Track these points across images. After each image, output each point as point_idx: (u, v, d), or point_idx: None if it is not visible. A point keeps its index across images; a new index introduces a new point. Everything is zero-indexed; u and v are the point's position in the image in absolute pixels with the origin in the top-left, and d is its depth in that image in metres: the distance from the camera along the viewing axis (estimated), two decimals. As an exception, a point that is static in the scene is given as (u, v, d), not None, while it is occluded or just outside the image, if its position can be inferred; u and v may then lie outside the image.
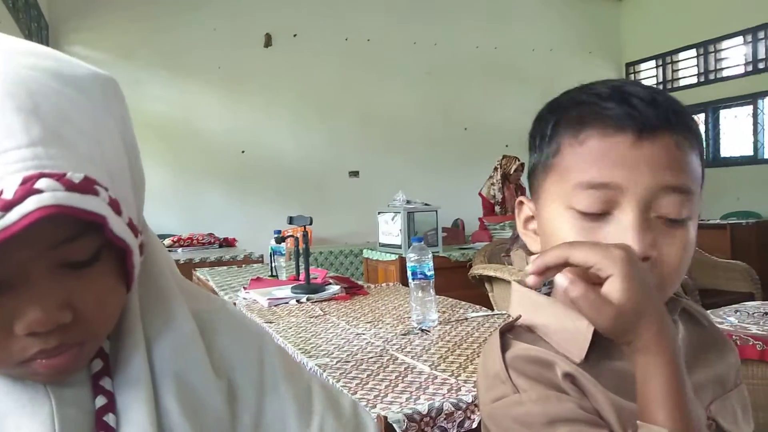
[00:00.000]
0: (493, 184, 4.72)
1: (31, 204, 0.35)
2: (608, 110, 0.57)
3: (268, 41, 5.80)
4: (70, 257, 0.41)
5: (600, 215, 0.57)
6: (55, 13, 5.24)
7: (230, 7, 5.63)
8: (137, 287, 0.50)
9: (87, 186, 0.38)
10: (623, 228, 0.55)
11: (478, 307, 2.00)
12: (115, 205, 0.40)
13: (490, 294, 3.14)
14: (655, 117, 0.56)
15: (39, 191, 0.36)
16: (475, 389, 1.17)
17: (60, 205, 0.36)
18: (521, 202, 0.67)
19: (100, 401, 0.46)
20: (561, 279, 0.54)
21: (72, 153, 0.39)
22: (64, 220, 0.38)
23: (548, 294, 0.65)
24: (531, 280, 0.54)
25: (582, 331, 0.57)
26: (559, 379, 0.56)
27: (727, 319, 1.92)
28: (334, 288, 2.30)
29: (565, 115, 0.61)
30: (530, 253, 0.66)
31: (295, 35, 5.88)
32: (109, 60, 5.10)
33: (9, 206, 0.35)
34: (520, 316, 0.63)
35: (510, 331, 0.62)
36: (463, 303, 2.06)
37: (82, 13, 5.24)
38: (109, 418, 0.46)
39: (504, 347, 0.59)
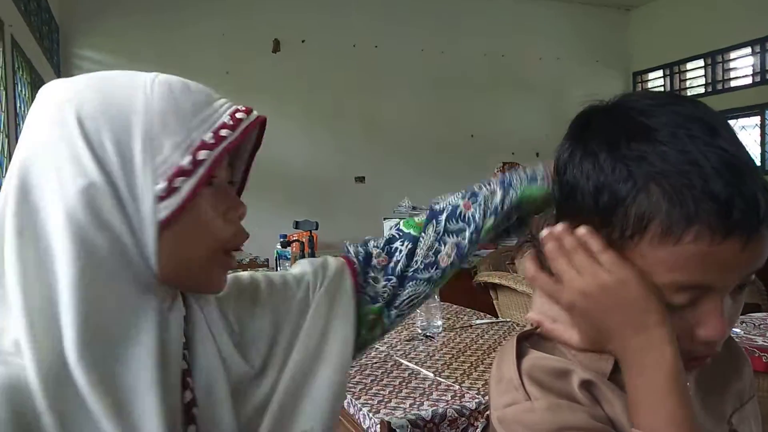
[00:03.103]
0: (495, 191, 4.72)
1: (254, 114, 0.64)
2: (713, 205, 0.50)
3: (276, 47, 5.82)
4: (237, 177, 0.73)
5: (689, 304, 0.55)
6: (66, 17, 5.28)
7: (239, 13, 5.66)
8: None
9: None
10: (709, 312, 0.54)
11: (482, 314, 1.99)
12: None
13: (494, 301, 3.14)
14: (762, 214, 0.51)
15: (251, 112, 0.64)
16: (479, 396, 1.17)
17: (263, 117, 0.66)
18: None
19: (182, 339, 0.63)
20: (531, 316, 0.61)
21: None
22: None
23: None
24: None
25: (605, 355, 0.58)
26: (574, 388, 0.56)
27: (732, 330, 1.92)
28: (339, 293, 2.30)
29: (649, 189, 0.52)
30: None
31: (303, 41, 5.91)
32: (117, 63, 5.13)
33: (247, 113, 0.64)
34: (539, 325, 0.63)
35: (528, 339, 0.62)
36: (468, 310, 2.06)
37: (92, 17, 5.27)
38: (188, 351, 0.63)
39: (520, 354, 0.59)
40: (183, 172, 0.57)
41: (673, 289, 0.53)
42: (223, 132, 0.59)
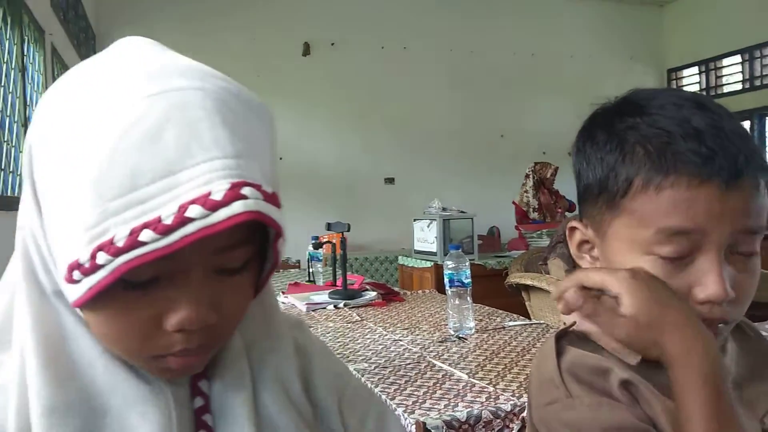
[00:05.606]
0: (526, 191, 4.69)
1: (238, 207, 0.39)
2: (692, 156, 0.54)
3: (306, 50, 5.88)
4: (226, 263, 0.45)
5: (682, 258, 0.56)
6: (101, 24, 5.44)
7: (269, 16, 5.73)
8: None
9: (275, 199, 0.42)
10: (705, 270, 0.56)
11: (515, 315, 1.98)
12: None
13: (527, 303, 3.11)
14: (741, 164, 0.54)
15: (245, 197, 0.39)
16: (513, 398, 1.16)
17: (260, 212, 0.40)
18: (573, 228, 0.65)
19: (198, 402, 0.49)
20: (573, 298, 0.59)
21: (259, 169, 0.43)
22: (233, 228, 0.40)
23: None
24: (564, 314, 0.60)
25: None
26: (613, 387, 0.56)
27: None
28: (371, 294, 2.32)
29: (634, 151, 0.57)
30: (569, 263, 0.67)
31: (332, 44, 5.95)
32: (152, 69, 5.25)
33: (216, 207, 0.39)
34: (575, 322, 0.63)
35: (565, 337, 0.62)
36: (500, 312, 2.05)
37: (125, 23, 5.40)
38: (207, 418, 0.49)
39: (559, 352, 0.60)
40: (78, 266, 0.40)
41: (664, 236, 0.55)
42: (144, 235, 0.38)
